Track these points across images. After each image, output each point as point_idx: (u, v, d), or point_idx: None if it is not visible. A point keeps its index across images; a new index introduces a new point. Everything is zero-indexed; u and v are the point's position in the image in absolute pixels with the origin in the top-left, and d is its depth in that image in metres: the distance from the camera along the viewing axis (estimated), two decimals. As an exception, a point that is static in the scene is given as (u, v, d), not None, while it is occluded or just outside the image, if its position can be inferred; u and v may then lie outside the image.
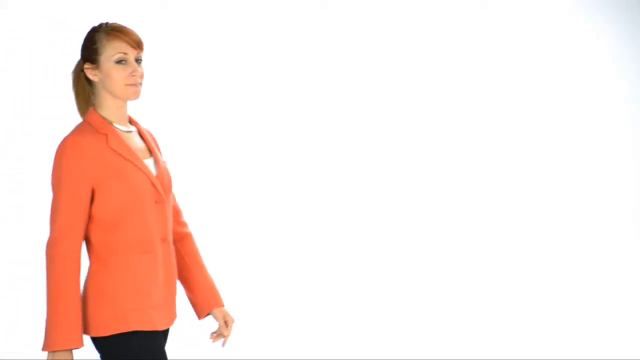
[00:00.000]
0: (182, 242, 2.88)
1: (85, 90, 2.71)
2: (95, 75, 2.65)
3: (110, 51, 2.62)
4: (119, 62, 2.62)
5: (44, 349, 2.56)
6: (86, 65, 2.66)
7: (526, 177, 5.40)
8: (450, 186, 5.28)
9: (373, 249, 5.14)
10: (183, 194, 3.57)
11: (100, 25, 2.66)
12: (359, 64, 5.16)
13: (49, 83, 4.48)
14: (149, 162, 2.70)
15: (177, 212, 2.88)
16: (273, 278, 4.95)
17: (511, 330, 5.17)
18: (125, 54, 2.62)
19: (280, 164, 5.00)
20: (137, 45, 2.63)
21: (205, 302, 2.87)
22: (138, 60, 2.65)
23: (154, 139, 2.84)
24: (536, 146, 5.42)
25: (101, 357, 2.65)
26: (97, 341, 2.63)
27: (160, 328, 2.65)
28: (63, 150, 2.59)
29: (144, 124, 2.87)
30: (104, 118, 2.66)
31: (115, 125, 2.68)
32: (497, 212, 5.34)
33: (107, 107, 2.67)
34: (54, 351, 2.55)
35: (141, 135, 2.77)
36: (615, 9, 5.57)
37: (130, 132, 2.72)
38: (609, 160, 5.52)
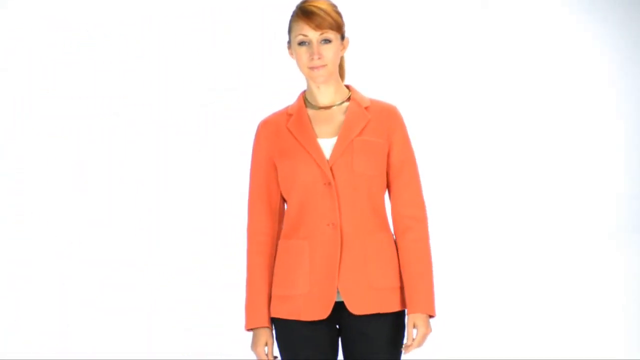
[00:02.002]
0: (402, 234, 2.60)
1: None
2: (292, 55, 2.58)
3: (294, 32, 2.54)
4: (301, 44, 2.53)
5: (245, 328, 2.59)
6: (287, 45, 2.60)
7: (525, 176, 5.39)
8: (448, 185, 5.27)
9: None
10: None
11: None
12: (359, 63, 5.15)
13: (49, 83, 4.48)
14: (327, 142, 2.54)
15: (403, 201, 2.61)
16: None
17: (509, 330, 5.17)
18: (305, 35, 2.51)
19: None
20: (317, 26, 2.49)
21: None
22: (324, 42, 2.52)
23: (381, 117, 2.60)
24: (535, 146, 5.41)
25: None
26: None
27: (305, 318, 2.50)
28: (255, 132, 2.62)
29: (383, 99, 2.66)
30: (304, 99, 2.62)
31: (312, 105, 2.60)
32: (495, 212, 5.34)
33: (308, 87, 2.62)
34: (249, 330, 2.56)
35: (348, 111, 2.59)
36: (615, 10, 5.56)
37: (330, 108, 2.60)
38: (609, 160, 5.52)
